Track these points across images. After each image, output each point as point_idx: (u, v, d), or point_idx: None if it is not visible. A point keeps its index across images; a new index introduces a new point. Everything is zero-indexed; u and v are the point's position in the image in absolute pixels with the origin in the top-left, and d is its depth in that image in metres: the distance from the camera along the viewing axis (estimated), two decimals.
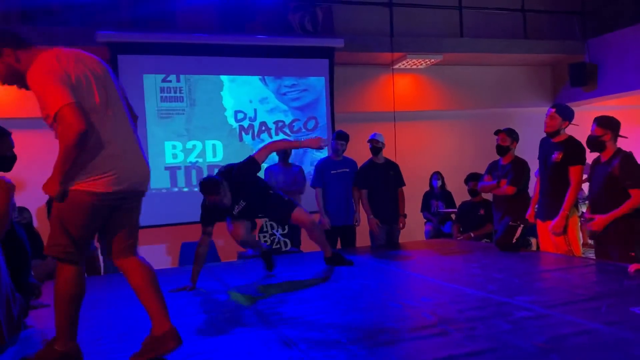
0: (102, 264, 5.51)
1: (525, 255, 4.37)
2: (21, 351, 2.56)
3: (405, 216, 5.53)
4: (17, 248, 2.97)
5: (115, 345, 2.54)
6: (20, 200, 4.90)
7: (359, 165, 5.58)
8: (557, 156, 4.08)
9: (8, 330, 2.30)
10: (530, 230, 4.74)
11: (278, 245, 5.33)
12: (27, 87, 2.28)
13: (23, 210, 5.00)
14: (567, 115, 4.17)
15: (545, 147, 4.25)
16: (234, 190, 3.80)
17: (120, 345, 2.53)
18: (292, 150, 5.94)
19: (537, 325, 2.47)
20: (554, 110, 4.19)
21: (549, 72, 8.69)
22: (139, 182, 2.41)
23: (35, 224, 5.56)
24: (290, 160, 6.02)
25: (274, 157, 6.05)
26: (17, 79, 2.32)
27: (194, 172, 6.54)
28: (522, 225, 4.46)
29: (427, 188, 6.87)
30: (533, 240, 5.29)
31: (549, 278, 3.56)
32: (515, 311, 2.70)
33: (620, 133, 3.84)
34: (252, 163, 3.87)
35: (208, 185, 3.69)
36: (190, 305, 3.32)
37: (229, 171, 3.87)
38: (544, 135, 4.27)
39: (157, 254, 6.72)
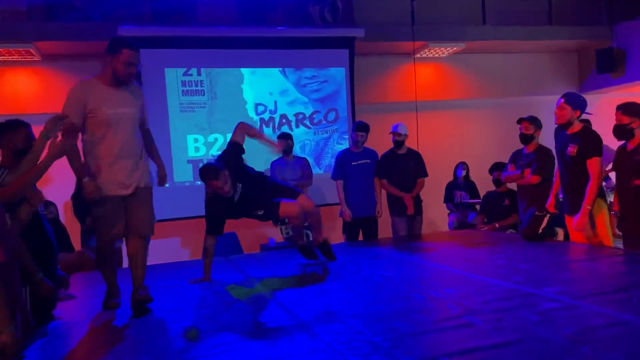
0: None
1: (551, 245, 4.28)
2: (49, 342, 2.60)
3: (412, 197, 5.38)
4: (44, 240, 3.01)
5: (140, 336, 2.56)
6: (47, 194, 4.99)
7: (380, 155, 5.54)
8: (572, 150, 3.94)
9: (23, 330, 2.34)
10: (557, 220, 4.63)
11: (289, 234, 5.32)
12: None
13: (50, 204, 5.08)
14: (578, 105, 4.00)
15: (561, 138, 4.11)
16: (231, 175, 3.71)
17: (144, 336, 2.53)
18: (309, 142, 5.90)
19: (565, 316, 2.41)
20: (563, 100, 4.04)
21: (575, 58, 8.49)
22: None
23: (62, 218, 5.66)
24: (305, 153, 5.98)
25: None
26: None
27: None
28: (548, 215, 4.36)
29: (451, 179, 6.78)
30: (559, 230, 5.18)
31: (576, 268, 3.49)
32: (543, 302, 2.64)
33: None
34: (234, 146, 3.84)
35: (209, 170, 3.62)
36: (213, 296, 3.34)
37: (220, 159, 3.82)
38: None
39: (180, 246, 6.79)
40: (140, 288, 3.07)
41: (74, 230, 5.34)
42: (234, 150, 3.84)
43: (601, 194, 3.96)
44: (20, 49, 6.04)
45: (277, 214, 3.89)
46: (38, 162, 2.71)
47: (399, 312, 2.68)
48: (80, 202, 5.17)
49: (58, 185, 5.37)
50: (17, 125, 3.05)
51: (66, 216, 5.84)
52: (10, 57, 6.24)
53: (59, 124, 2.83)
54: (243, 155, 3.89)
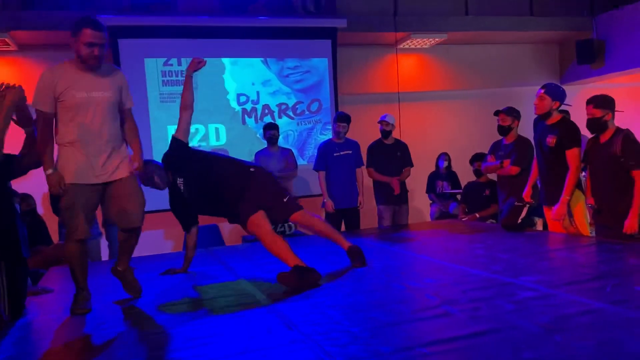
0: (107, 250, 5.54)
1: (530, 235, 4.33)
2: (25, 337, 2.56)
3: (398, 180, 5.43)
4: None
5: (114, 330, 2.54)
6: (24, 187, 4.92)
7: (367, 145, 5.55)
8: (551, 140, 3.98)
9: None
10: (536, 210, 4.69)
11: (282, 229, 5.31)
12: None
13: (27, 197, 5.01)
14: (558, 96, 4.04)
15: (539, 129, 4.15)
16: (172, 169, 3.49)
17: (121, 329, 2.52)
18: (292, 133, 5.84)
19: (541, 305, 2.44)
20: (543, 90, 4.08)
21: (556, 49, 8.56)
22: None
23: (40, 211, 5.58)
24: (288, 144, 5.96)
25: (262, 142, 5.98)
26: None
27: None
28: (527, 205, 4.41)
29: (433, 169, 6.82)
30: (538, 220, 5.24)
31: (554, 258, 3.53)
32: (520, 291, 2.67)
33: (622, 109, 3.78)
34: (173, 140, 3.53)
35: None
36: (191, 290, 3.32)
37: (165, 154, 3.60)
38: None
39: (161, 238, 6.75)
40: (121, 264, 3.08)
41: (52, 223, 5.27)
42: (173, 143, 3.53)
43: (578, 185, 4.00)
44: None
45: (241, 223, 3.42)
46: None
47: (378, 302, 2.69)
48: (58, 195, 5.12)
49: (35, 177, 5.27)
50: None
51: (44, 209, 5.77)
52: None
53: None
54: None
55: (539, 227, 5.26)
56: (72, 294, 2.92)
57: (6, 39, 5.92)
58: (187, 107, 3.52)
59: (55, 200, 5.07)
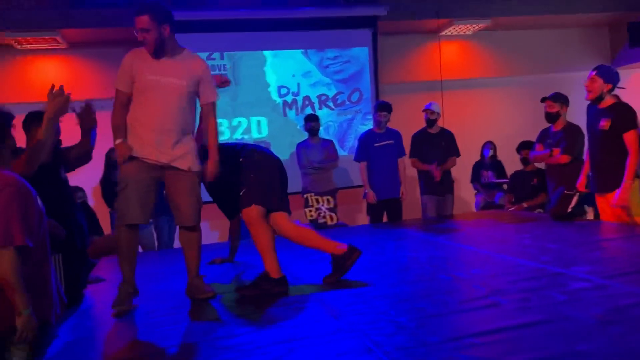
0: (156, 241, 5.68)
1: (581, 224, 4.20)
2: (81, 323, 2.66)
3: (439, 167, 5.33)
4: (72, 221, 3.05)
5: (165, 318, 2.61)
6: (74, 180, 5.09)
7: (409, 134, 5.49)
8: (604, 123, 3.82)
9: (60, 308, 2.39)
10: (587, 199, 4.53)
11: (324, 220, 5.33)
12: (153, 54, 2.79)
13: (79, 189, 5.19)
14: (610, 78, 3.88)
15: (591, 114, 4.00)
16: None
17: (169, 318, 2.59)
18: (332, 124, 5.82)
19: (594, 296, 2.36)
20: (594, 72, 3.92)
21: (606, 32, 8.22)
22: None
23: (92, 203, 5.78)
24: (329, 135, 5.95)
25: (303, 134, 5.99)
26: (157, 49, 2.78)
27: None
28: (577, 194, 4.27)
29: (478, 158, 6.68)
30: (589, 209, 5.07)
31: (607, 247, 3.41)
32: (571, 282, 2.59)
33: None
34: None
35: None
36: (237, 279, 3.37)
37: None
38: None
39: (207, 229, 6.87)
40: (194, 279, 2.89)
41: (102, 215, 5.45)
42: None
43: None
44: (47, 37, 6.13)
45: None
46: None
47: (424, 292, 2.66)
48: (109, 186, 5.29)
49: (86, 170, 5.44)
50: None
51: (95, 200, 5.96)
52: (36, 45, 6.34)
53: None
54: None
55: (590, 216, 5.09)
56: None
57: (57, 37, 6.12)
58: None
59: (107, 191, 5.27)
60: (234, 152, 3.13)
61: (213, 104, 2.95)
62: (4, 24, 5.95)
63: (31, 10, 6.18)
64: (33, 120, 3.01)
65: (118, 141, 2.78)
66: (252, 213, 2.94)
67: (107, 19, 6.16)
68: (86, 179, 5.56)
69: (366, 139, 5.40)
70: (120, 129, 2.81)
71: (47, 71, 6.65)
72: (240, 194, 2.98)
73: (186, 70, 2.82)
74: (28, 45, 6.32)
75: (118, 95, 2.84)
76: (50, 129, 2.59)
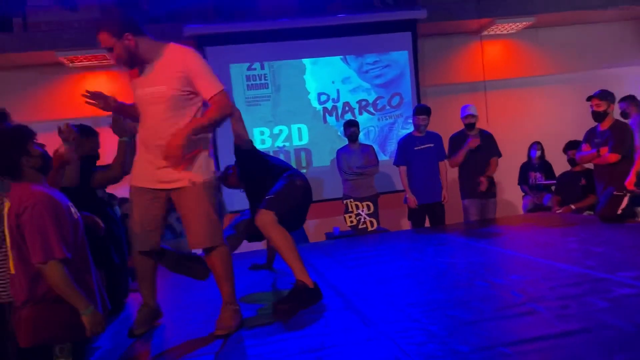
0: None
1: (631, 227, 4.01)
2: (121, 331, 2.75)
3: (487, 178, 5.20)
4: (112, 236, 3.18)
5: (201, 326, 2.66)
6: (121, 191, 5.27)
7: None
8: None
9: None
10: (638, 199, 4.32)
11: (364, 226, 5.30)
12: (132, 68, 2.54)
13: (126, 200, 5.36)
14: None
15: None
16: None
17: (205, 326, 2.63)
18: (373, 129, 5.78)
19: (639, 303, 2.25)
20: None
21: None
22: None
23: None
24: (369, 140, 5.90)
25: (343, 140, 5.96)
26: (132, 62, 2.51)
27: (281, 157, 6.66)
28: (628, 194, 4.08)
29: (525, 159, 6.49)
30: None
31: None
32: (616, 288, 2.48)
33: None
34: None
35: None
36: (273, 285, 3.40)
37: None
38: None
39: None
40: (222, 308, 2.58)
41: None
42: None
43: None
44: (97, 54, 6.39)
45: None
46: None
47: (459, 300, 2.61)
48: None
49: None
50: (90, 134, 3.26)
51: None
52: (86, 63, 6.62)
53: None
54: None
55: None
56: (163, 291, 3.09)
57: (105, 54, 6.37)
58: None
59: None
60: (284, 167, 3.25)
61: (219, 96, 2.48)
62: (56, 43, 6.24)
63: (81, 29, 6.46)
64: (80, 134, 3.13)
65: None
66: (269, 217, 2.73)
67: (149, 33, 6.36)
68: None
69: (405, 143, 5.35)
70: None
71: (96, 87, 6.84)
72: (266, 196, 2.87)
73: (166, 71, 2.47)
74: (78, 63, 6.61)
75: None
76: (59, 177, 2.62)
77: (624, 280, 2.58)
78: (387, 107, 6.88)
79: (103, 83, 6.94)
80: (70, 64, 6.62)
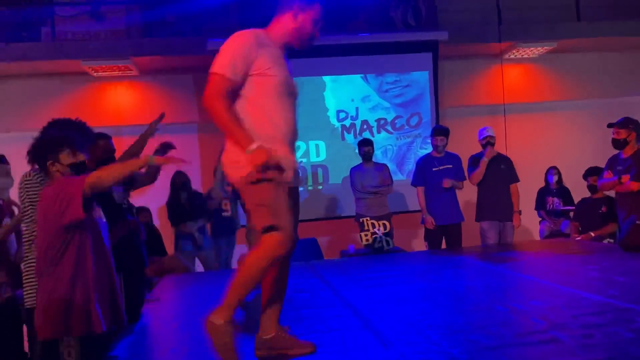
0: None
1: None
2: (138, 341, 2.75)
3: (520, 212, 5.21)
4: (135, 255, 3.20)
5: None
6: (141, 200, 5.32)
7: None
8: None
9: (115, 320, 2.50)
10: None
11: (380, 244, 5.27)
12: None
13: (144, 209, 5.41)
14: None
15: None
16: None
17: None
18: (391, 148, 5.76)
19: None
20: None
21: None
22: None
23: (157, 223, 5.99)
24: (387, 159, 5.89)
25: (358, 158, 5.93)
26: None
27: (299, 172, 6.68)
28: None
29: (542, 184, 6.44)
30: None
31: None
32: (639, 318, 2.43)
33: None
34: None
35: None
36: (290, 301, 3.38)
37: None
38: None
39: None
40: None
41: (167, 235, 5.65)
42: None
43: None
44: (120, 65, 6.50)
45: None
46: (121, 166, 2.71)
47: (479, 324, 2.57)
48: (176, 208, 5.50)
49: (152, 191, 5.70)
50: (97, 138, 3.29)
51: (160, 221, 6.18)
52: (110, 73, 6.73)
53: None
54: None
55: None
56: (181, 301, 3.09)
57: (129, 65, 6.47)
58: None
59: (173, 212, 5.47)
60: None
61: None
62: (81, 53, 6.35)
63: (106, 40, 6.59)
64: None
65: (254, 145, 2.11)
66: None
67: (175, 47, 6.46)
68: (152, 199, 5.80)
69: (423, 163, 5.34)
70: (243, 128, 2.21)
71: (119, 97, 7.03)
72: None
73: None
74: (103, 73, 6.72)
75: (225, 85, 2.19)
76: (124, 172, 2.53)
77: None
78: (406, 127, 6.89)
79: (125, 93, 7.04)
80: (95, 74, 6.73)
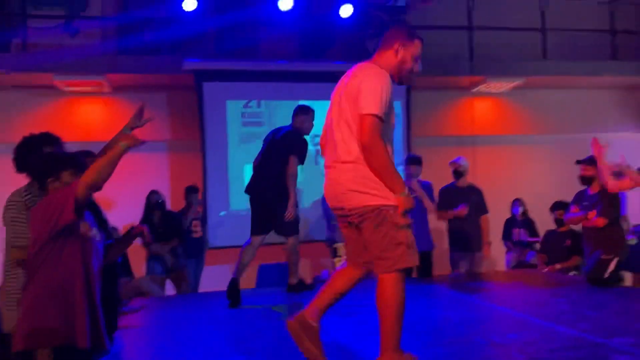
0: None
1: (620, 291, 4.08)
2: None
3: (490, 243, 5.31)
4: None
5: None
6: (111, 218, 5.18)
7: (440, 187, 5.48)
8: None
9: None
10: (624, 265, 4.42)
11: None
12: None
13: (113, 229, 5.26)
14: None
15: None
16: None
17: None
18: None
19: None
20: None
21: None
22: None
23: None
24: None
25: None
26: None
27: None
28: (615, 259, 4.17)
29: (508, 215, 6.60)
30: (627, 275, 4.92)
31: None
32: (614, 355, 2.51)
33: None
34: None
35: None
36: (263, 330, 3.34)
37: None
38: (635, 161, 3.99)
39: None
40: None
41: (136, 256, 5.50)
42: None
43: None
44: (93, 81, 6.38)
45: None
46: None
47: (460, 356, 2.61)
48: (149, 228, 5.37)
49: (121, 209, 5.59)
50: (85, 155, 3.22)
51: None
52: (82, 88, 6.59)
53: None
54: None
55: (628, 282, 4.94)
56: (154, 327, 3.01)
57: (102, 81, 6.37)
58: None
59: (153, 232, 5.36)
60: None
61: None
62: (53, 67, 6.21)
63: (80, 55, 6.47)
64: None
65: (403, 193, 2.41)
66: None
67: (149, 65, 6.40)
68: (120, 218, 5.65)
69: None
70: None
71: (90, 113, 6.88)
72: None
73: None
74: (74, 88, 6.57)
75: (378, 126, 2.32)
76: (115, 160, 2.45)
77: (621, 347, 2.62)
78: None
79: (96, 109, 6.91)
80: (66, 88, 6.58)
